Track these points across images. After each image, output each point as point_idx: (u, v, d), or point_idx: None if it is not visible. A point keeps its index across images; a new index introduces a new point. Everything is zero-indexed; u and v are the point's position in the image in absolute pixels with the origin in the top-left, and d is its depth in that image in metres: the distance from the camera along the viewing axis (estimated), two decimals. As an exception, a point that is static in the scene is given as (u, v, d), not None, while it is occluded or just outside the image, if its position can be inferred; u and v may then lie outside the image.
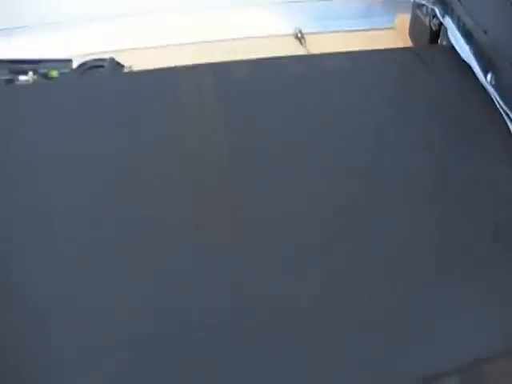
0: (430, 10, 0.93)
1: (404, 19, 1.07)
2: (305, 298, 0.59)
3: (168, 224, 0.66)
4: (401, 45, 1.07)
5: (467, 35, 0.85)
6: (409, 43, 1.04)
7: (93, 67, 0.96)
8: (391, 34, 1.15)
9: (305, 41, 1.12)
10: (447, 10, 0.89)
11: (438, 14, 0.90)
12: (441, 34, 0.93)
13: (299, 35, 1.13)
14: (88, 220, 0.66)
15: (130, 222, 0.66)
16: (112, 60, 0.96)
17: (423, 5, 0.95)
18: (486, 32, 0.80)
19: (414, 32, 1.03)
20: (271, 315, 0.57)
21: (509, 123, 0.74)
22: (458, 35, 0.86)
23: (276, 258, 0.63)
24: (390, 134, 0.77)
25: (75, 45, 1.07)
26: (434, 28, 0.94)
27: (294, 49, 1.11)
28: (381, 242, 0.65)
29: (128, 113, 0.80)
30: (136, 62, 0.97)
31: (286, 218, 0.67)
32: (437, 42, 0.96)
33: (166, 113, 0.80)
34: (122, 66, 0.96)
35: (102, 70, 0.94)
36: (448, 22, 0.89)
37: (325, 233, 0.66)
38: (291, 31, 1.15)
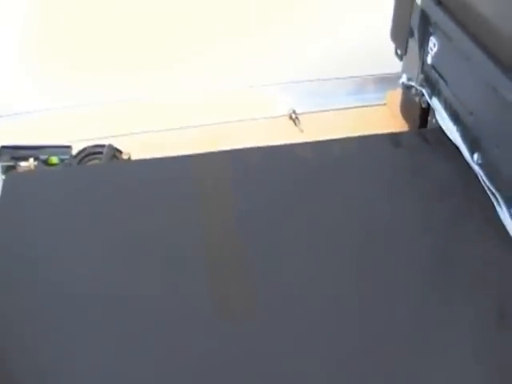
0: (418, 91, 0.95)
1: (395, 95, 1.09)
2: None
3: (184, 310, 0.68)
4: (392, 122, 1.09)
5: (454, 116, 0.87)
6: (400, 119, 1.06)
7: (91, 153, 0.98)
8: (383, 110, 1.18)
9: (299, 121, 1.14)
10: (434, 91, 0.92)
11: (426, 96, 0.93)
12: (430, 112, 0.95)
13: (293, 116, 1.15)
14: (101, 309, 0.68)
15: (145, 310, 0.68)
16: (110, 146, 0.98)
17: (412, 86, 0.97)
18: (471, 113, 0.82)
19: (404, 110, 1.06)
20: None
21: (495, 203, 0.76)
22: (445, 116, 0.88)
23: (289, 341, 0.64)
24: (385, 216, 0.78)
25: (75, 130, 1.10)
26: (423, 106, 0.96)
27: (288, 129, 1.13)
28: (384, 326, 0.66)
29: (135, 199, 0.82)
30: (135, 146, 1.00)
31: (298, 300, 0.69)
32: (427, 120, 0.98)
33: (177, 199, 0.82)
34: (121, 153, 0.99)
35: (100, 157, 0.96)
36: (435, 103, 0.91)
37: (335, 317, 0.67)
38: (285, 112, 1.17)
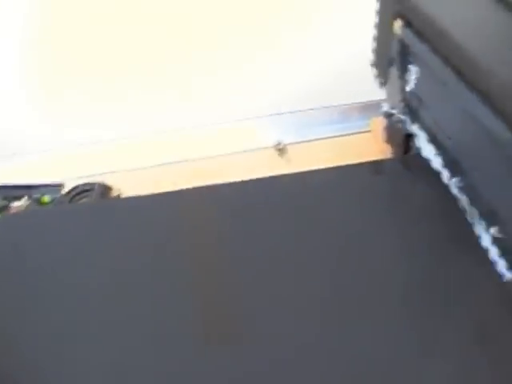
0: (400, 118, 0.97)
1: (379, 122, 1.11)
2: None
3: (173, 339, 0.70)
4: (377, 148, 1.11)
5: (434, 142, 0.89)
6: (385, 145, 1.08)
7: (82, 191, 0.99)
8: (367, 137, 1.20)
9: (285, 152, 1.16)
10: (415, 117, 0.94)
11: (407, 123, 0.95)
12: (413, 138, 0.97)
13: (279, 147, 1.17)
14: (96, 335, 0.70)
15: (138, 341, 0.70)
16: (101, 184, 1.00)
17: (393, 114, 0.99)
18: (450, 138, 0.84)
19: (388, 136, 1.08)
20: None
21: (475, 226, 0.78)
22: (426, 142, 0.90)
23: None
24: (365, 242, 0.80)
25: (66, 168, 1.12)
26: (406, 132, 0.98)
27: (274, 161, 1.15)
28: (364, 350, 0.68)
29: (124, 237, 0.84)
30: (125, 183, 1.01)
31: (282, 326, 0.71)
32: (410, 146, 1.00)
33: (166, 236, 0.84)
34: (111, 189, 1.00)
35: (91, 194, 0.97)
36: (416, 129, 0.93)
37: (314, 340, 0.69)
38: (271, 143, 1.19)
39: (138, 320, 0.72)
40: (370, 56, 1.06)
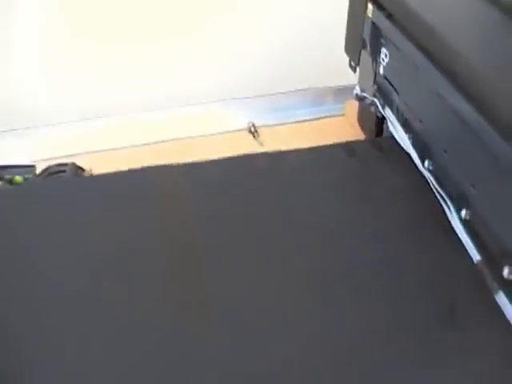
0: (372, 102, 0.97)
1: (353, 105, 1.12)
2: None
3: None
4: (350, 131, 1.12)
5: (405, 125, 0.90)
6: (358, 129, 1.09)
7: (55, 172, 0.99)
8: (341, 120, 1.20)
9: (258, 134, 1.16)
10: (387, 101, 0.95)
11: (379, 106, 0.95)
12: (385, 121, 0.98)
13: (252, 129, 1.17)
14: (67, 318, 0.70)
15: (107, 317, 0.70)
16: (73, 165, 1.00)
17: (365, 97, 1.00)
18: (420, 121, 0.85)
19: (361, 119, 1.09)
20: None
21: (445, 208, 0.79)
22: (397, 125, 0.91)
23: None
24: (336, 222, 0.81)
25: (37, 150, 1.12)
26: (379, 116, 0.98)
27: (247, 143, 1.15)
28: (335, 328, 0.69)
29: (97, 213, 0.84)
30: (97, 164, 1.01)
31: (255, 305, 0.71)
32: (383, 129, 1.00)
33: (136, 211, 0.83)
34: (83, 170, 1.00)
35: (63, 175, 0.97)
36: (388, 112, 0.94)
37: (288, 318, 0.70)
38: (244, 125, 1.19)
39: (112, 297, 0.72)
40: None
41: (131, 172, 0.89)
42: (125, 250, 0.78)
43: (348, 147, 0.94)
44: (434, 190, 0.81)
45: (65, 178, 0.97)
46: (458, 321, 0.69)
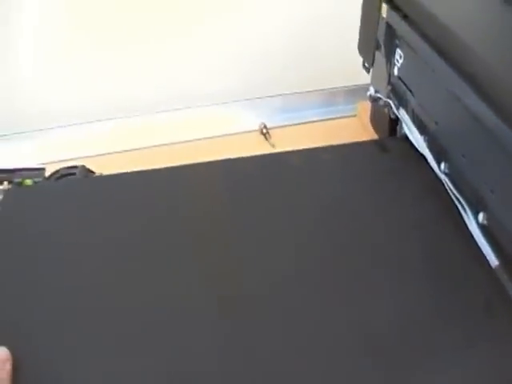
0: (386, 102, 0.96)
1: (365, 106, 1.11)
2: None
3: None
4: (363, 132, 1.11)
5: (420, 126, 0.89)
6: (371, 130, 1.08)
7: (65, 175, 0.98)
8: (354, 121, 1.19)
9: (269, 135, 1.16)
10: (401, 102, 0.93)
11: (393, 107, 0.94)
12: (399, 123, 0.97)
13: (264, 130, 1.16)
14: (93, 309, 0.70)
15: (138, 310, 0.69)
16: (83, 167, 0.99)
17: (379, 98, 0.98)
18: (436, 123, 0.83)
19: (374, 120, 1.08)
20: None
21: (461, 211, 0.77)
22: (412, 127, 0.90)
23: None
24: (359, 223, 0.81)
25: (47, 152, 1.11)
26: (392, 117, 0.97)
27: (259, 144, 1.15)
28: (371, 318, 0.68)
29: (125, 209, 0.84)
30: (107, 166, 1.00)
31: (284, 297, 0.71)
32: (396, 130, 0.99)
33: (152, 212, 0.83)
34: (93, 173, 0.99)
35: (73, 178, 0.96)
36: (403, 113, 0.92)
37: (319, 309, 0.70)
38: (256, 127, 1.18)
39: (139, 296, 0.71)
40: (356, 40, 1.05)
41: (143, 173, 0.89)
42: (155, 245, 0.78)
43: (361, 147, 0.93)
44: (450, 193, 0.80)
45: (84, 178, 0.97)
46: (476, 322, 0.68)
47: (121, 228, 0.80)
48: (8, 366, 0.61)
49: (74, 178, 0.97)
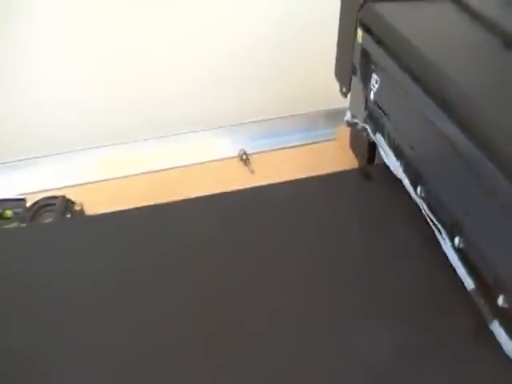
0: (363, 128, 0.97)
1: (345, 129, 1.11)
2: None
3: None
4: (343, 156, 1.11)
5: (396, 151, 0.89)
6: (350, 153, 1.08)
7: (45, 205, 0.99)
8: (334, 145, 1.20)
9: (249, 161, 1.16)
10: (378, 126, 0.94)
11: (370, 132, 0.95)
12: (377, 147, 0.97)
13: (244, 157, 1.17)
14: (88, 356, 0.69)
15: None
16: (63, 198, 0.99)
17: (356, 123, 0.99)
18: (412, 147, 0.84)
19: (353, 145, 1.08)
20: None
21: (437, 235, 0.78)
22: (389, 151, 0.90)
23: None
24: (339, 251, 0.82)
25: (27, 182, 1.11)
26: (371, 141, 0.98)
27: (238, 170, 1.15)
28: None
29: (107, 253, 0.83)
30: (88, 196, 1.01)
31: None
32: (374, 154, 1.00)
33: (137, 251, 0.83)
34: (73, 203, 1.00)
35: (53, 209, 0.97)
36: (379, 138, 0.93)
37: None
38: (236, 153, 1.19)
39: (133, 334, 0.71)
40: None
41: (126, 212, 0.89)
42: (141, 286, 0.78)
43: (337, 176, 0.94)
44: (426, 216, 0.80)
45: (67, 221, 0.97)
46: (451, 349, 0.69)
47: (106, 270, 0.80)
48: None
49: (61, 211, 0.97)
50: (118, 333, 0.71)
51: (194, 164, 1.15)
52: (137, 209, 0.88)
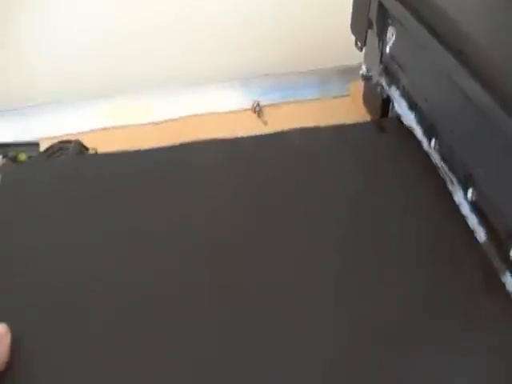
0: (378, 81, 0.97)
1: (358, 86, 1.12)
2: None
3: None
4: (355, 112, 1.11)
5: (411, 104, 0.89)
6: (363, 110, 1.08)
7: (58, 150, 0.99)
8: (346, 101, 1.20)
9: (262, 113, 1.16)
10: (393, 80, 0.94)
11: (385, 85, 0.95)
12: (391, 102, 0.97)
13: (257, 108, 1.17)
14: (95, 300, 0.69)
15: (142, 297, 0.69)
16: (77, 142, 1.00)
17: (371, 76, 0.99)
18: (426, 100, 0.84)
19: (366, 100, 1.08)
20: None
21: (450, 187, 0.78)
22: (403, 104, 0.90)
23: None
24: (354, 203, 0.82)
25: (41, 128, 1.12)
26: (384, 96, 0.98)
27: (251, 121, 1.15)
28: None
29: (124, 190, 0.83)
30: (101, 143, 1.01)
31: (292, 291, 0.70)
32: (388, 110, 1.00)
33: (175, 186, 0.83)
34: (87, 149, 1.00)
35: (67, 153, 0.97)
36: (394, 92, 0.93)
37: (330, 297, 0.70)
38: (248, 105, 1.19)
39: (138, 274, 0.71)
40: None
41: (138, 152, 0.89)
42: (160, 225, 0.78)
43: (353, 127, 0.94)
44: (439, 167, 0.80)
45: (85, 156, 0.97)
46: (462, 300, 0.69)
47: (124, 210, 0.80)
48: (7, 340, 0.61)
49: (75, 155, 0.97)
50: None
51: (206, 114, 1.16)
52: (153, 149, 0.89)
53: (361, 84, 1.10)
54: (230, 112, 1.18)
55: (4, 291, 0.70)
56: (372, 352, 0.64)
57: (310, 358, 0.63)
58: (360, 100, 1.11)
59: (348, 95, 1.22)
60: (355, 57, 1.08)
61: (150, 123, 1.14)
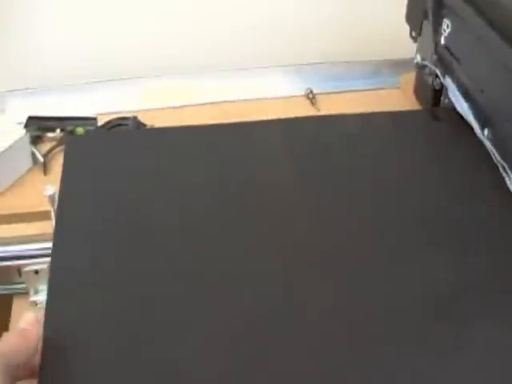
0: (432, 71, 0.98)
1: (409, 78, 1.12)
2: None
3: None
4: (406, 103, 1.12)
5: (465, 94, 0.90)
6: (413, 101, 1.09)
7: (116, 125, 1.01)
8: (397, 93, 1.21)
9: (315, 101, 1.18)
10: (448, 70, 0.95)
11: (440, 75, 0.96)
12: (443, 93, 0.98)
13: (310, 96, 1.19)
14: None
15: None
16: (135, 119, 1.02)
17: (426, 66, 1.00)
18: (482, 91, 0.85)
19: (418, 91, 1.09)
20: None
21: (505, 176, 0.79)
22: (458, 94, 0.91)
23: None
24: (405, 190, 0.81)
25: (98, 104, 1.14)
26: (436, 87, 0.99)
27: (305, 108, 1.17)
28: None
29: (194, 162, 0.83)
30: (156, 121, 1.03)
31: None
32: (439, 100, 1.01)
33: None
34: (145, 125, 1.02)
35: (125, 129, 0.99)
36: (448, 82, 0.94)
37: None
38: (302, 92, 1.21)
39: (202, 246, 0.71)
40: (402, 13, 1.07)
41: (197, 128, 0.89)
42: (223, 201, 0.77)
43: (406, 115, 0.94)
44: (493, 158, 0.81)
45: (146, 129, 0.97)
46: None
47: (188, 186, 0.79)
48: (37, 330, 0.59)
49: (131, 129, 0.99)
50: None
51: (261, 98, 1.17)
52: (214, 125, 0.89)
53: (411, 77, 1.10)
54: (284, 98, 1.19)
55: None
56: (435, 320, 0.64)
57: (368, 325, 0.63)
58: (410, 93, 1.12)
59: (398, 88, 1.23)
60: (406, 52, 1.09)
61: (203, 104, 1.16)
